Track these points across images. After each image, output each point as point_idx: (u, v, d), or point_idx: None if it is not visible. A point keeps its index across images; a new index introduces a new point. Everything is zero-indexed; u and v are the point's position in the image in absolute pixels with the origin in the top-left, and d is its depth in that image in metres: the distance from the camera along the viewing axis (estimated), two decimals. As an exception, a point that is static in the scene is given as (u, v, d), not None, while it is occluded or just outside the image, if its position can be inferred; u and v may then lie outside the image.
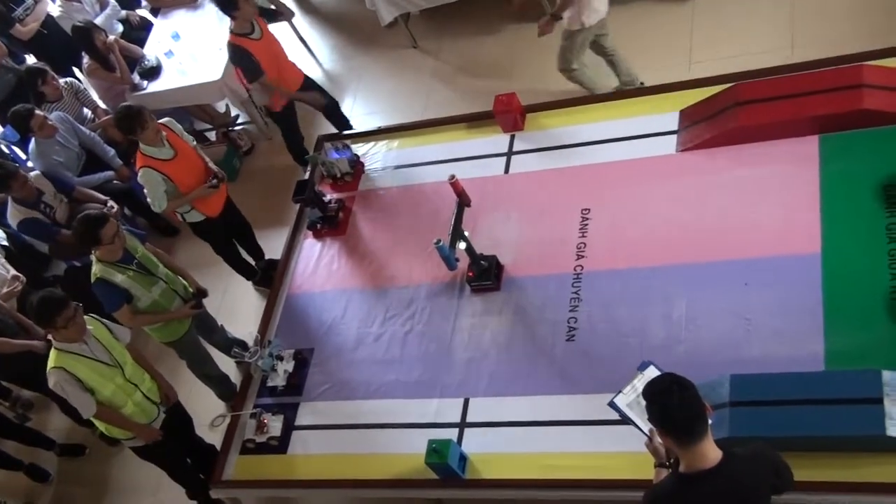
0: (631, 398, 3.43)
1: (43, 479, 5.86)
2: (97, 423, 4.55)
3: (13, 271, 5.71)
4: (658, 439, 2.98)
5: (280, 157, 6.43)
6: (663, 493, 2.86)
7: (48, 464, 5.93)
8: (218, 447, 4.81)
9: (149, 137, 4.98)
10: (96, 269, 4.60)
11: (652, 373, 3.40)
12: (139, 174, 5.07)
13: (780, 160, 4.37)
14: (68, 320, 4.16)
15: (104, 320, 4.53)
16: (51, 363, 4.25)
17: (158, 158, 5.05)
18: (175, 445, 4.87)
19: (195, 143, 5.45)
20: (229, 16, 5.48)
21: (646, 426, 3.15)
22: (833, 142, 4.30)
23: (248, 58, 5.53)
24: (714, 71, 5.06)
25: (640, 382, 3.40)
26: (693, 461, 2.73)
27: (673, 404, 2.67)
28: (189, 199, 5.24)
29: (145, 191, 5.13)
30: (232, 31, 5.54)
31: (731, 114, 4.52)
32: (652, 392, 2.75)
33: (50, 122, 5.96)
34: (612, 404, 3.46)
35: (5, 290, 5.44)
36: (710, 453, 2.72)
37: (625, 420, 3.43)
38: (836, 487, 3.42)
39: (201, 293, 5.11)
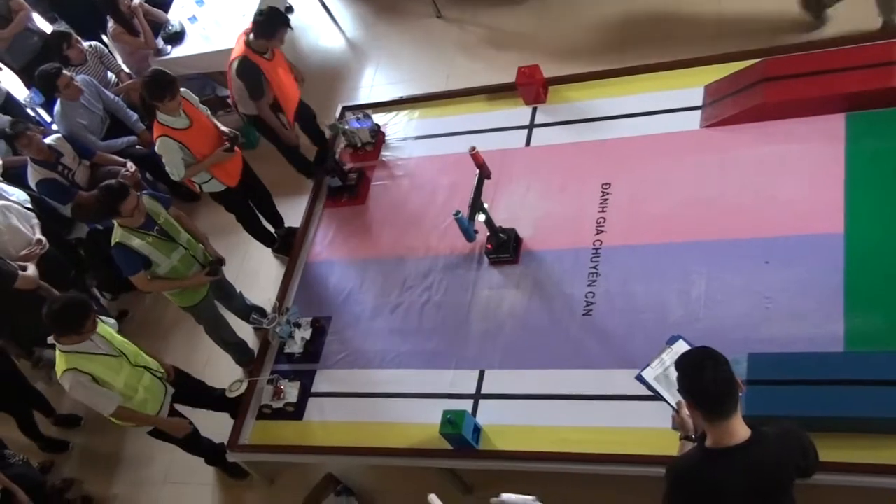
0: (658, 371, 3.41)
1: (62, 451, 5.88)
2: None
3: (39, 235, 5.72)
4: (686, 412, 2.98)
5: (301, 124, 6.41)
6: (688, 465, 2.84)
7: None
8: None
9: (171, 107, 4.99)
10: (117, 234, 4.64)
11: (681, 346, 3.38)
12: (157, 144, 5.09)
13: (806, 138, 4.31)
14: (95, 324, 4.14)
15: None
16: (61, 366, 4.15)
17: (175, 128, 5.05)
18: None
19: (209, 112, 5.42)
20: (263, 36, 5.30)
21: (673, 399, 3.14)
22: (860, 120, 4.24)
23: (257, 75, 5.39)
24: (740, 46, 4.98)
25: (668, 356, 3.40)
26: (720, 437, 2.70)
27: (707, 377, 2.64)
28: (206, 165, 5.23)
29: (163, 160, 5.14)
30: (248, 46, 5.36)
31: (757, 90, 4.46)
32: (685, 364, 2.72)
33: (76, 83, 5.98)
34: (639, 378, 3.44)
35: (24, 251, 5.48)
36: (739, 430, 2.70)
37: (652, 393, 3.42)
38: (854, 469, 3.40)
39: (219, 261, 5.13)
